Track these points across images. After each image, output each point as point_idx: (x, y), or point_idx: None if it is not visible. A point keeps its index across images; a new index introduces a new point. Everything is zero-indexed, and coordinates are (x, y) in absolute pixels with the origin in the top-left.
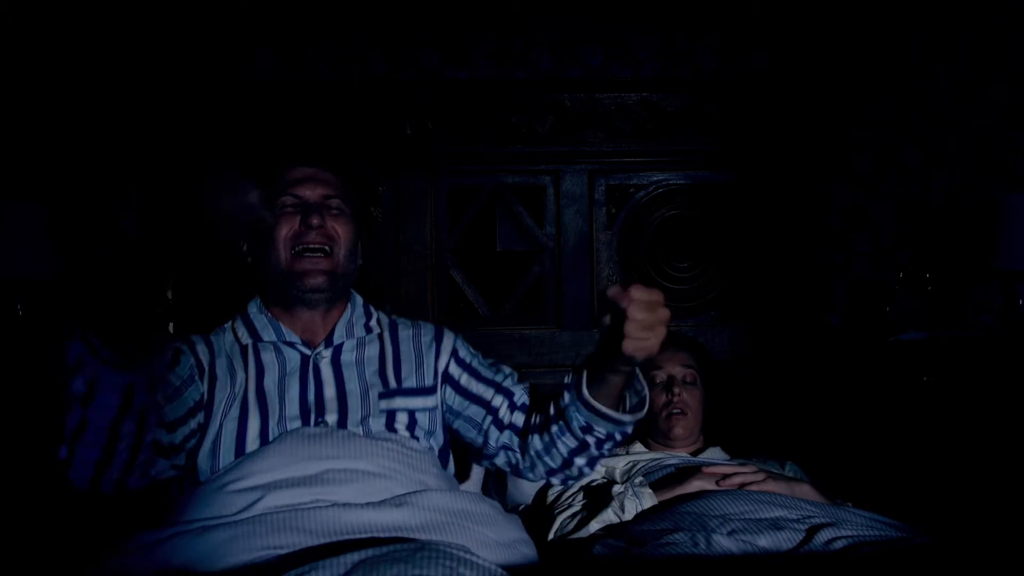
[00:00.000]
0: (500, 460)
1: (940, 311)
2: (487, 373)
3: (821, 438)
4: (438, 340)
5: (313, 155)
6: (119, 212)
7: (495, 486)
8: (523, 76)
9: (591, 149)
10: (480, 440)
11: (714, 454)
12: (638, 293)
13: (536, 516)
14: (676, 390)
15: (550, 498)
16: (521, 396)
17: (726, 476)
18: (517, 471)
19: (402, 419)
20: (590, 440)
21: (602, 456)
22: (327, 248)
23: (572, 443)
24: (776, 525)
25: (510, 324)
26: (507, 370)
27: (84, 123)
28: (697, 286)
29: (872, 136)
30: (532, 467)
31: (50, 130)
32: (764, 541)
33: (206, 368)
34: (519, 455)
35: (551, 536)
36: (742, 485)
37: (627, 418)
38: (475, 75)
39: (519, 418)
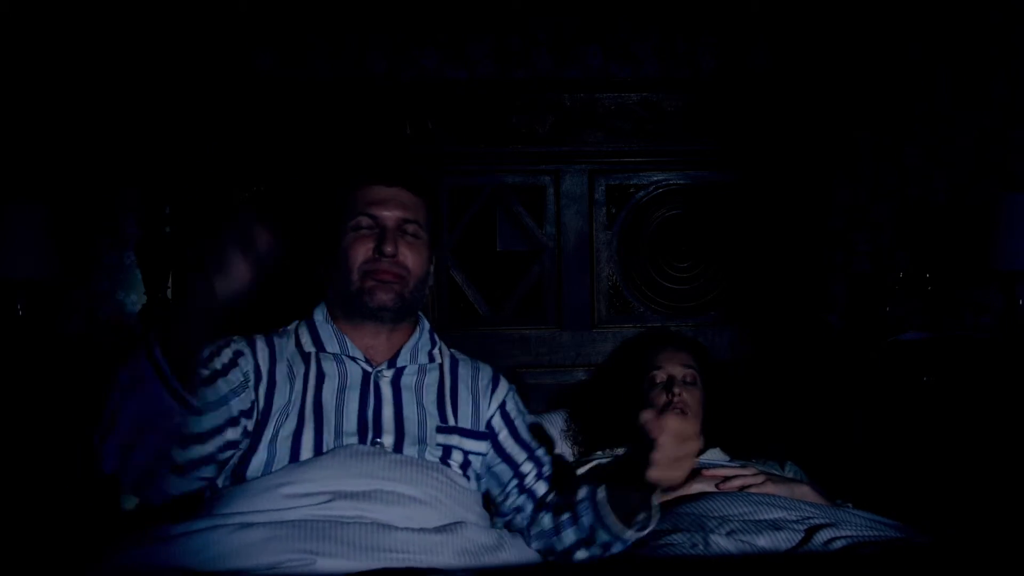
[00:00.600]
0: (508, 518)
1: (940, 311)
2: (525, 435)
3: (821, 438)
4: (493, 388)
5: (396, 176)
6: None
7: None
8: (523, 76)
9: (591, 149)
10: (500, 498)
11: (714, 455)
12: (672, 424)
13: None
14: (676, 390)
15: None
16: (548, 468)
17: (726, 479)
18: (522, 534)
19: (457, 458)
20: (594, 539)
21: (603, 555)
22: (399, 276)
23: (575, 536)
24: (775, 526)
25: (510, 324)
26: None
27: (84, 123)
28: (697, 286)
29: (872, 136)
30: (537, 539)
31: (50, 130)
32: (763, 541)
33: (264, 375)
34: (528, 522)
35: None
36: (742, 488)
37: (629, 535)
38: (475, 75)
39: (541, 487)
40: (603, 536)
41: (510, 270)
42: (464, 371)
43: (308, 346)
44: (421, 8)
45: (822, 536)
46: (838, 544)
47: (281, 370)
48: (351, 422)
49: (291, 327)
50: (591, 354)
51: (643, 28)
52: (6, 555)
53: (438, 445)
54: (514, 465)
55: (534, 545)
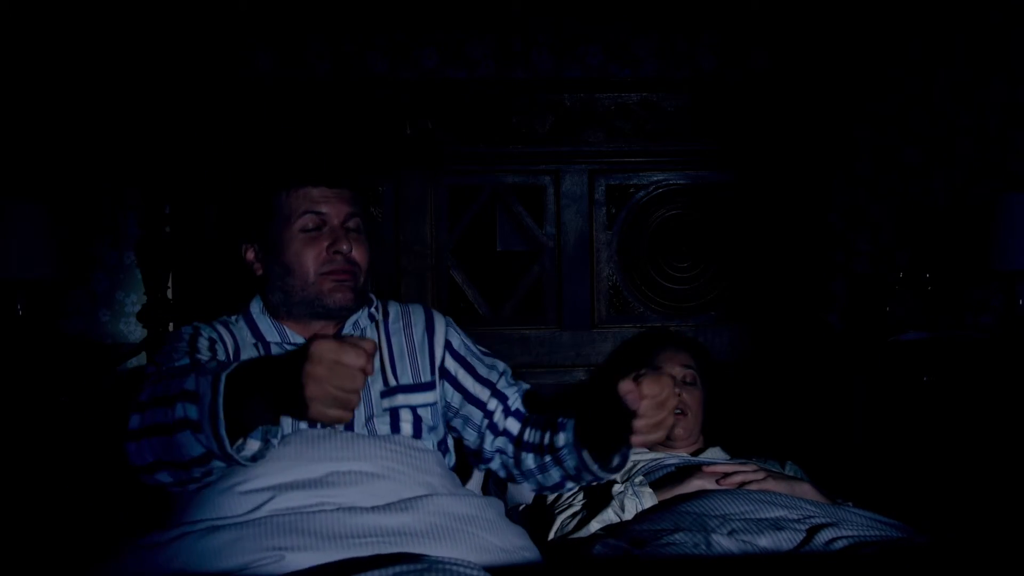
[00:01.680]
0: (495, 464)
1: (940, 311)
2: (483, 371)
3: (821, 438)
4: (429, 330)
5: (335, 177)
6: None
7: (495, 486)
8: (523, 76)
9: (591, 149)
10: (477, 442)
11: (714, 454)
12: (649, 389)
13: (536, 516)
14: (676, 390)
15: (550, 498)
16: (515, 401)
17: (726, 475)
18: (511, 477)
19: (406, 417)
20: (579, 478)
21: (590, 483)
22: (353, 273)
23: (562, 474)
24: (776, 525)
25: (510, 324)
26: (500, 366)
27: (84, 123)
28: (697, 286)
29: (872, 136)
30: (524, 477)
31: (50, 130)
32: (764, 541)
33: (231, 358)
34: (512, 462)
35: (551, 536)
36: (742, 483)
37: (612, 476)
38: (475, 75)
39: (513, 425)
40: (587, 476)
41: (510, 270)
42: (395, 324)
43: (249, 339)
44: (421, 8)
45: (824, 536)
46: (840, 544)
47: (243, 357)
48: None
49: (231, 318)
50: (591, 354)
51: (643, 28)
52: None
53: (384, 410)
54: (480, 404)
55: (524, 484)
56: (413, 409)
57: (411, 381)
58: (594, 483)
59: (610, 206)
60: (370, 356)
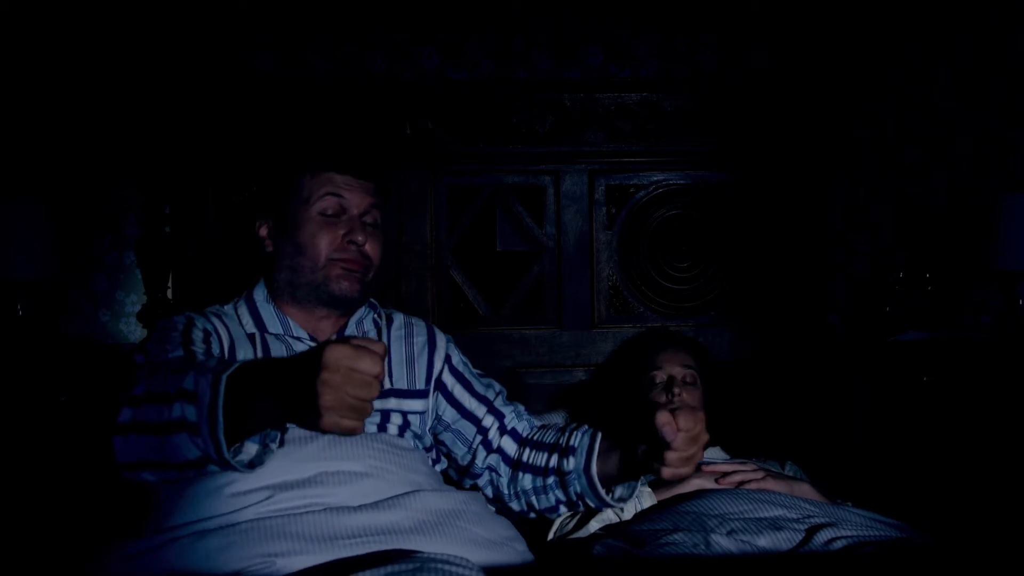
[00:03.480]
0: (483, 481)
1: (940, 311)
2: (479, 388)
3: (821, 438)
4: (431, 343)
5: (363, 167)
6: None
7: None
8: (523, 76)
9: (591, 149)
10: (468, 458)
11: (714, 454)
12: (685, 423)
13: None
14: (676, 390)
15: None
16: (511, 420)
17: (725, 474)
18: (499, 495)
19: (395, 420)
20: (578, 503)
21: (584, 510)
22: (365, 266)
23: (563, 498)
24: (775, 525)
25: (510, 324)
26: (497, 386)
27: (83, 123)
28: (697, 286)
29: (872, 136)
30: (516, 498)
31: (50, 130)
32: (764, 541)
33: (226, 354)
34: (503, 481)
35: (551, 536)
36: (741, 483)
37: (617, 505)
38: (475, 75)
39: (508, 444)
40: (589, 501)
41: (510, 270)
42: (397, 331)
43: (250, 327)
44: (421, 8)
45: (823, 536)
46: (839, 544)
47: (238, 352)
48: None
49: (228, 307)
50: (591, 354)
51: (643, 28)
52: None
53: (376, 411)
54: (475, 420)
55: (513, 505)
56: (404, 415)
57: (405, 387)
58: (591, 507)
59: (610, 206)
60: (383, 361)
